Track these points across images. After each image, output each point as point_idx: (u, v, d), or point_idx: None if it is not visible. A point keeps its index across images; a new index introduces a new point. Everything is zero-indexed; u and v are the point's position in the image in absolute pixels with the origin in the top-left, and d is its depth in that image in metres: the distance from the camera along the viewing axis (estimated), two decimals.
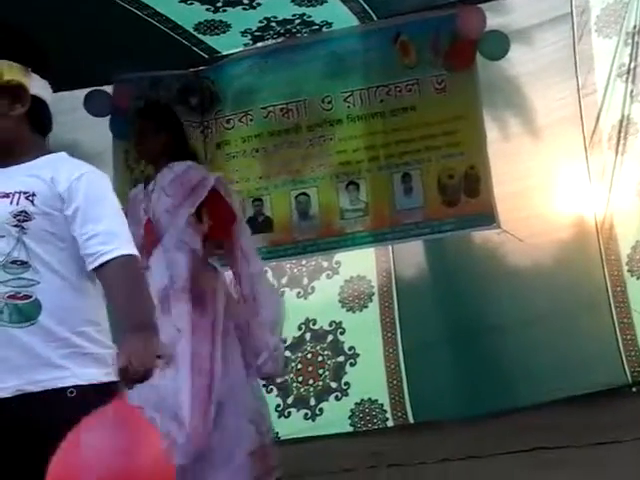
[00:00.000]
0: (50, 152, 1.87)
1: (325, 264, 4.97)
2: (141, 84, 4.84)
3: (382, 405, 4.71)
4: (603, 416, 4.07)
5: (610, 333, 4.59)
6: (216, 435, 3.28)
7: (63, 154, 1.87)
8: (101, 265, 1.70)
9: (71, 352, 1.69)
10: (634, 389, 4.54)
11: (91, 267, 1.71)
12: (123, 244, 1.72)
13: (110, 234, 1.72)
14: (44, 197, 1.73)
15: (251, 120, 4.86)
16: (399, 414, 4.67)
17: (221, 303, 3.44)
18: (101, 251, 1.70)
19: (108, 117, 4.69)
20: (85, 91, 4.66)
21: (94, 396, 1.67)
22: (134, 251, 1.75)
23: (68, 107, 4.49)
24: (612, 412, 4.12)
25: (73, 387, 1.67)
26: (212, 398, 3.25)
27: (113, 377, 1.73)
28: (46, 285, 1.70)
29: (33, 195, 1.72)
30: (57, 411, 1.65)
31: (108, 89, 4.72)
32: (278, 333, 3.65)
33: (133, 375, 1.60)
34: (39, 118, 1.88)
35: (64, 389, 1.66)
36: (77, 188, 1.74)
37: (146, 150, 3.63)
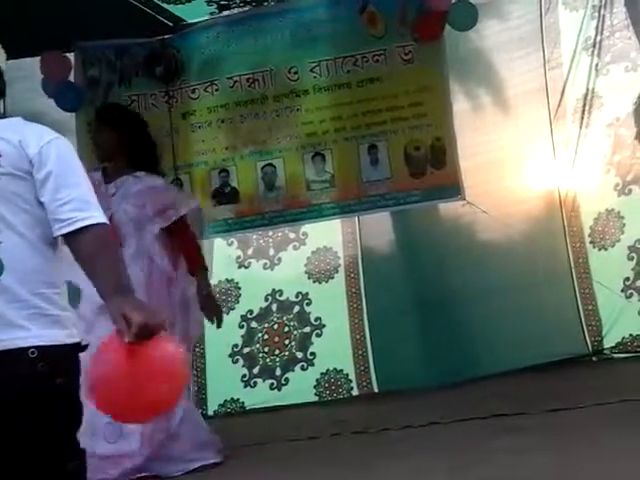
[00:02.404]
0: (5, 117, 1.84)
1: (292, 235, 4.97)
2: (105, 52, 4.77)
3: (347, 375, 4.75)
4: (564, 384, 4.14)
5: (572, 304, 4.67)
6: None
7: (20, 119, 1.84)
8: (75, 231, 1.69)
9: (32, 313, 1.69)
10: (594, 358, 4.63)
11: (63, 232, 1.71)
12: (98, 212, 1.73)
13: (85, 201, 1.72)
14: (11, 159, 1.71)
15: (217, 90, 4.82)
16: (364, 384, 4.72)
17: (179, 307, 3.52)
18: (77, 217, 1.69)
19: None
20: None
21: (56, 357, 1.68)
22: (106, 220, 1.76)
23: (29, 74, 4.41)
24: (573, 380, 4.20)
25: (34, 347, 1.66)
26: None
27: (74, 338, 1.74)
28: (9, 245, 1.69)
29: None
30: (18, 370, 1.65)
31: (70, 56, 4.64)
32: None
33: (149, 330, 1.61)
34: None
35: (25, 349, 1.66)
36: (48, 153, 1.73)
37: (103, 150, 3.63)
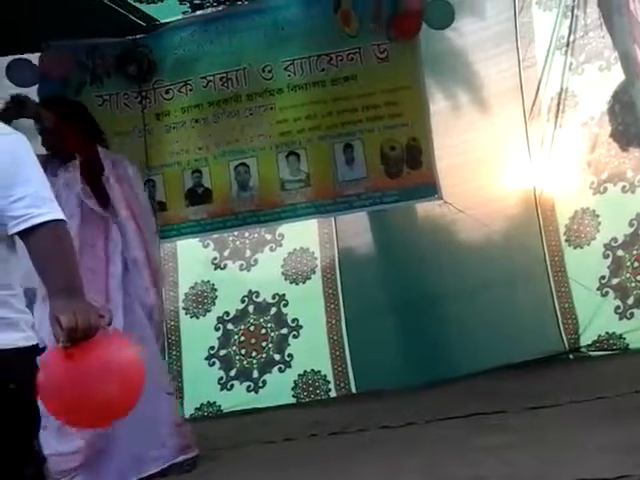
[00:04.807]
0: None
1: (268, 237, 4.92)
2: (77, 52, 4.71)
3: (325, 376, 4.70)
4: (541, 382, 4.14)
5: (548, 302, 4.67)
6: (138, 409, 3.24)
7: None
8: (30, 228, 1.64)
9: None
10: (571, 356, 4.63)
11: (17, 229, 1.65)
12: (54, 209, 1.68)
13: (40, 198, 1.67)
14: None
15: (191, 90, 4.77)
16: (342, 384, 4.68)
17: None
18: (31, 214, 1.64)
19: (33, 87, 4.52)
20: (6, 59, 4.48)
21: (8, 362, 1.62)
22: (63, 216, 1.70)
23: None
24: (550, 378, 4.20)
25: None
26: None
27: (30, 341, 1.68)
28: None
29: None
30: None
31: (31, 57, 4.55)
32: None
33: (80, 333, 1.57)
34: None
35: None
36: (2, 149, 1.67)
37: (50, 144, 3.57)
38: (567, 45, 4.79)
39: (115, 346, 1.65)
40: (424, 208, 4.83)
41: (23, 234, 1.66)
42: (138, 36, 4.82)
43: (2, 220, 1.66)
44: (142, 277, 3.54)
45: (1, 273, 1.68)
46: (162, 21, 4.78)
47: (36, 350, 1.68)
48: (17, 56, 4.50)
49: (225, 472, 3.35)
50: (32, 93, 4.44)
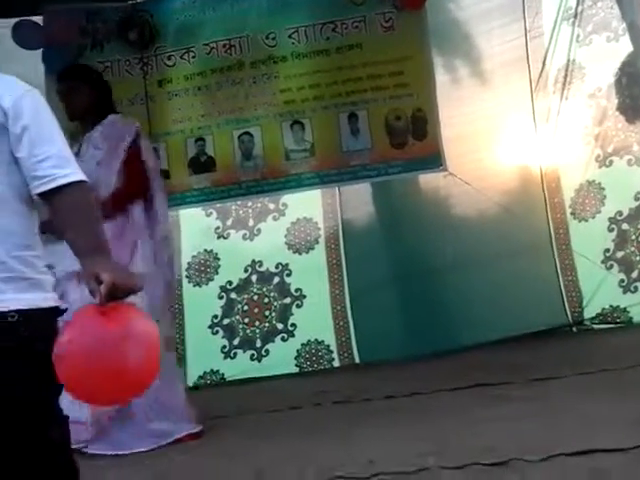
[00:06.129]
0: None
1: (272, 206, 4.89)
2: (76, 16, 4.63)
3: (328, 346, 4.70)
4: (544, 355, 4.16)
5: (552, 275, 4.68)
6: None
7: None
8: (56, 188, 1.62)
9: (10, 276, 1.61)
10: (574, 329, 4.64)
11: (42, 189, 1.62)
12: (77, 170, 1.65)
13: (63, 158, 1.64)
14: None
15: (193, 57, 4.70)
16: (345, 355, 4.68)
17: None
18: (57, 174, 1.61)
19: (39, 50, 4.45)
20: (12, 21, 4.39)
21: (35, 321, 1.61)
22: (85, 177, 1.67)
23: None
24: (553, 351, 4.22)
25: (14, 311, 1.59)
26: None
27: (53, 302, 1.66)
28: None
29: None
30: None
31: (38, 20, 4.48)
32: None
33: (120, 292, 1.55)
34: None
35: (5, 313, 1.58)
36: (23, 106, 1.63)
37: (74, 110, 3.58)
38: (575, 16, 4.74)
39: (143, 315, 1.62)
40: (428, 179, 4.81)
41: (46, 194, 1.63)
42: (138, 1, 4.73)
43: (25, 180, 1.63)
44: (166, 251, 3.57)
45: (25, 234, 1.66)
46: None
47: (58, 312, 1.67)
48: (23, 18, 4.41)
49: (228, 441, 3.34)
50: (37, 56, 4.40)
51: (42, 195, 1.63)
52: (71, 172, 1.63)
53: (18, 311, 1.59)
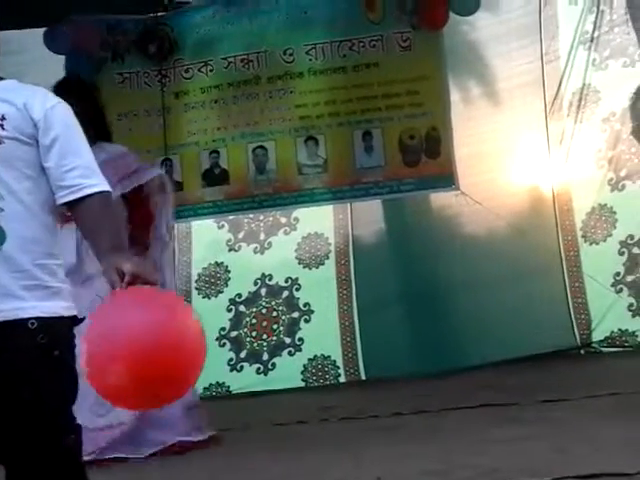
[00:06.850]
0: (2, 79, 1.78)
1: (283, 220, 4.91)
2: (98, 27, 4.69)
3: (335, 361, 4.70)
4: (552, 376, 4.15)
5: (561, 297, 4.67)
6: None
7: (15, 81, 1.78)
8: (81, 198, 1.66)
9: (32, 284, 1.64)
10: (582, 351, 4.63)
11: (69, 199, 1.66)
12: (102, 180, 1.70)
13: (90, 169, 1.69)
14: (16, 122, 1.66)
15: (211, 70, 4.76)
16: (351, 370, 4.68)
17: None
18: (83, 184, 1.66)
19: (62, 57, 4.53)
20: (38, 31, 4.49)
21: (55, 329, 1.63)
22: (110, 188, 1.73)
23: (16, 48, 4.30)
24: (561, 373, 4.20)
25: (34, 319, 1.61)
26: None
27: (72, 311, 1.69)
28: (11, 214, 1.63)
29: (3, 119, 1.65)
30: (18, 341, 1.60)
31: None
32: None
33: (140, 281, 1.59)
34: None
35: (25, 320, 1.61)
36: (53, 117, 1.68)
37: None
38: (591, 40, 4.76)
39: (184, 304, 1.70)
40: (439, 198, 4.83)
41: (72, 204, 1.67)
42: (159, 14, 4.80)
43: (51, 189, 1.67)
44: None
45: (50, 242, 1.69)
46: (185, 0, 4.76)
47: (76, 321, 1.69)
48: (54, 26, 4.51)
49: (233, 454, 3.34)
50: (59, 65, 4.47)
51: (68, 204, 1.67)
52: (97, 182, 1.68)
53: (38, 318, 1.61)
